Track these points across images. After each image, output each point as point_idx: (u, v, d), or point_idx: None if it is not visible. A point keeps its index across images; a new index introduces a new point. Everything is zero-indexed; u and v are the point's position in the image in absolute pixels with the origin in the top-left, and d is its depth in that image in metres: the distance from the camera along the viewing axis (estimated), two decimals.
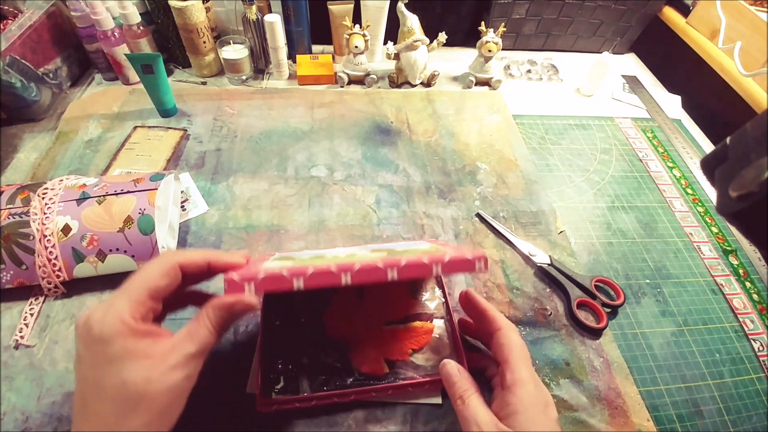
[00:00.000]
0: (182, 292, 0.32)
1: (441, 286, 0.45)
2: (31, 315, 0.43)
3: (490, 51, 0.73)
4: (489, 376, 0.39)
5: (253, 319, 0.44)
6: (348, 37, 0.70)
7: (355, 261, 0.31)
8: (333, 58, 0.79)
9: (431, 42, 0.72)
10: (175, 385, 0.26)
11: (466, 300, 0.40)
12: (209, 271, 0.31)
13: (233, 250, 0.35)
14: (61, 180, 0.47)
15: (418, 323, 0.41)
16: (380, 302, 0.43)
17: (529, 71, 0.83)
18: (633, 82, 0.83)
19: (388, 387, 0.38)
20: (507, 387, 0.32)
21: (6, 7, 0.64)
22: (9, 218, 0.42)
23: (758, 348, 0.47)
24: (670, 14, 0.86)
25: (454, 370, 0.35)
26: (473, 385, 0.34)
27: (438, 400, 0.40)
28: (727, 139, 0.26)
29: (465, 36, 0.85)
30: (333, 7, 0.73)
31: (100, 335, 0.25)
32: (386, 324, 0.41)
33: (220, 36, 0.75)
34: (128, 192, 0.45)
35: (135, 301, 0.27)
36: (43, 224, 0.42)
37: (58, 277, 0.43)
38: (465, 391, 0.33)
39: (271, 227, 0.53)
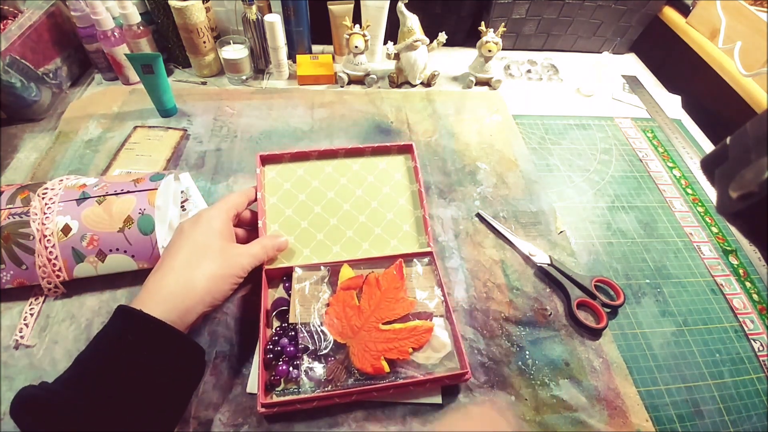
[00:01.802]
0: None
1: (440, 286, 0.45)
2: (31, 315, 0.43)
3: (490, 51, 0.73)
4: None
5: (254, 320, 0.44)
6: (348, 37, 0.70)
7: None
8: (333, 58, 0.79)
9: (431, 42, 0.72)
10: (236, 271, 0.39)
11: None
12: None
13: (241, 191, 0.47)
14: (61, 180, 0.47)
15: (417, 322, 0.41)
16: (379, 302, 0.42)
17: (529, 71, 0.83)
18: (633, 82, 0.83)
19: (389, 386, 0.38)
20: None
21: (6, 7, 0.64)
22: (9, 218, 0.42)
23: (758, 348, 0.47)
24: (670, 14, 0.86)
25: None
26: None
27: (438, 400, 0.40)
28: (727, 139, 0.26)
29: (465, 36, 0.85)
30: (333, 7, 0.73)
31: (208, 221, 0.40)
32: (385, 324, 0.41)
33: (220, 36, 0.75)
34: (128, 192, 0.45)
35: (226, 211, 0.43)
36: (43, 224, 0.42)
37: (58, 277, 0.43)
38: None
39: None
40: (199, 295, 0.36)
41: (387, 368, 0.39)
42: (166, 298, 0.34)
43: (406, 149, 0.54)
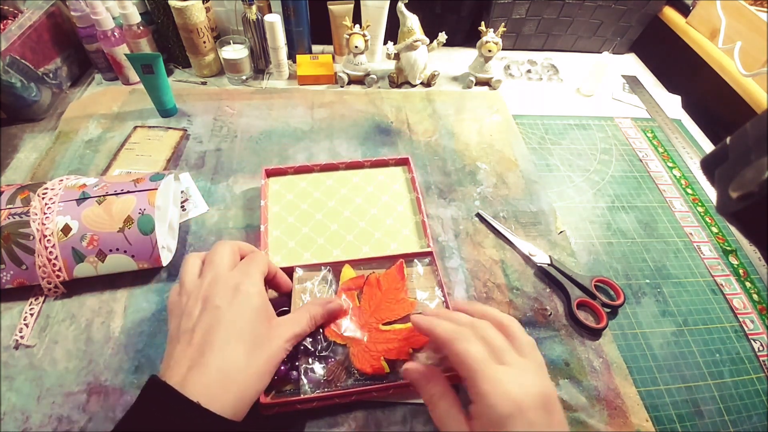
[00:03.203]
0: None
1: (441, 286, 0.45)
2: (31, 315, 0.43)
3: (490, 51, 0.73)
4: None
5: None
6: (348, 37, 0.70)
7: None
8: (333, 58, 0.79)
9: (431, 42, 0.72)
10: (278, 351, 0.34)
11: (414, 325, 0.36)
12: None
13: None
14: (61, 180, 0.47)
15: None
16: (380, 303, 0.43)
17: (529, 71, 0.83)
18: (633, 82, 0.83)
19: (389, 386, 0.38)
20: (473, 399, 0.30)
21: (6, 7, 0.64)
22: (9, 218, 0.42)
23: (758, 348, 0.47)
24: (670, 14, 0.85)
25: (415, 375, 0.34)
26: (442, 384, 0.33)
27: None
28: (727, 139, 0.26)
29: (465, 36, 0.85)
30: (333, 7, 0.73)
31: (247, 298, 0.34)
32: (385, 324, 0.41)
33: (220, 36, 0.75)
34: (128, 192, 0.45)
35: (262, 281, 0.37)
36: (43, 224, 0.42)
37: (58, 277, 0.43)
38: (432, 395, 0.32)
39: None
40: (253, 388, 0.32)
41: (387, 368, 0.39)
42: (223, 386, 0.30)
43: (403, 162, 0.58)
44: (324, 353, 0.39)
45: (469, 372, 0.30)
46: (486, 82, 0.79)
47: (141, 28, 0.65)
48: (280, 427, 0.38)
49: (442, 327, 0.33)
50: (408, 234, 0.51)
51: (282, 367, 0.38)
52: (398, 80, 0.76)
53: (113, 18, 0.64)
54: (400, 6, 0.69)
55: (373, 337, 0.40)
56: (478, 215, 0.56)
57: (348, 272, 0.45)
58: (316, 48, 0.81)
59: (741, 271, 0.54)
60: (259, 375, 0.32)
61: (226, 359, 0.30)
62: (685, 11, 0.84)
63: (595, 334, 0.46)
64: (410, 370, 0.35)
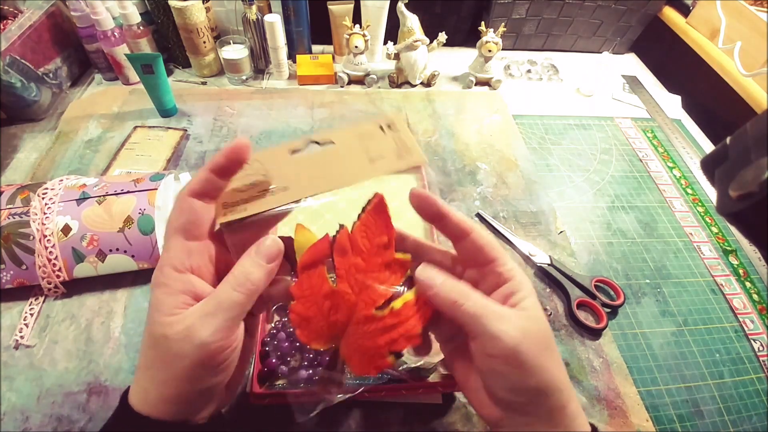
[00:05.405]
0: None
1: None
2: (31, 315, 0.43)
3: (490, 51, 0.73)
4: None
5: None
6: (348, 37, 0.70)
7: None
8: (333, 58, 0.79)
9: (431, 42, 0.72)
10: (198, 342, 0.23)
11: (419, 201, 0.29)
12: (228, 175, 0.25)
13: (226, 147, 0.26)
14: (61, 180, 0.47)
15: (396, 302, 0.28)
16: (365, 276, 0.29)
17: (529, 71, 0.83)
18: (633, 82, 0.83)
19: (381, 388, 0.38)
20: (505, 279, 0.26)
21: (6, 7, 0.64)
22: (9, 218, 0.42)
23: (758, 348, 0.47)
24: (670, 14, 0.85)
25: (432, 272, 0.27)
26: (463, 282, 0.26)
27: (438, 400, 0.40)
28: (727, 139, 0.26)
29: (465, 36, 0.85)
30: (333, 7, 0.73)
31: (151, 285, 0.24)
32: (380, 307, 0.28)
33: (220, 36, 0.75)
34: (128, 192, 0.45)
35: (171, 249, 0.24)
36: (43, 224, 0.42)
37: (58, 277, 0.43)
38: (459, 292, 0.25)
39: None
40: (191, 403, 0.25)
41: (394, 362, 0.28)
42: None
43: (416, 169, 0.56)
44: (311, 355, 0.38)
45: (500, 254, 0.27)
46: (486, 82, 0.78)
47: (141, 28, 0.65)
48: (280, 426, 0.38)
49: (464, 216, 0.28)
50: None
51: (272, 360, 0.38)
52: (398, 80, 0.76)
53: (113, 18, 0.64)
54: (400, 6, 0.69)
55: (369, 330, 0.27)
56: (478, 215, 0.56)
57: (304, 235, 0.28)
58: (316, 48, 0.81)
59: (741, 271, 0.54)
60: (178, 396, 0.24)
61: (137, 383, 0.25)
62: (685, 11, 0.84)
63: (595, 334, 0.46)
64: (426, 271, 0.27)
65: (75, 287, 0.45)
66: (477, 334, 0.25)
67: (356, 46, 0.70)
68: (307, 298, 0.27)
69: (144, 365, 0.24)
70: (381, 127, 0.30)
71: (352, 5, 0.74)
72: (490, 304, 0.25)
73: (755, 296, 0.52)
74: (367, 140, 0.30)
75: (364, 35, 0.70)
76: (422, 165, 0.30)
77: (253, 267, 0.25)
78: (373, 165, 0.29)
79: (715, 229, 0.59)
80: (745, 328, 0.49)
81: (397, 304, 0.27)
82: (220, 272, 0.26)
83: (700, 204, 0.62)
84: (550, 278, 0.50)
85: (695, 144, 0.71)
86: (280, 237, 0.27)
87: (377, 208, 0.29)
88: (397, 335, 0.27)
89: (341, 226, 0.28)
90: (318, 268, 0.28)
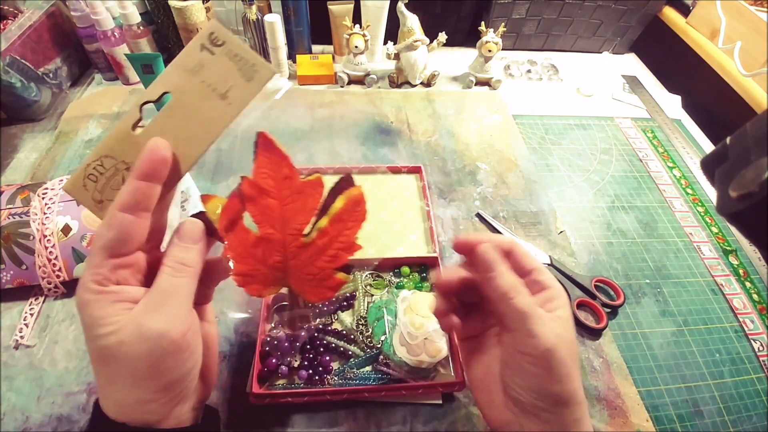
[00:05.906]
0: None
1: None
2: (31, 315, 0.43)
3: (490, 51, 0.73)
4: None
5: (256, 323, 0.44)
6: (348, 37, 0.70)
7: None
8: (333, 58, 0.79)
9: (431, 42, 0.72)
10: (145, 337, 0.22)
11: (462, 247, 0.29)
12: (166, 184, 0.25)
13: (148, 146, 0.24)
14: (61, 180, 0.47)
15: (341, 199, 0.29)
16: (281, 214, 0.29)
17: (529, 71, 0.83)
18: (633, 82, 0.83)
19: (381, 388, 0.38)
20: (545, 287, 0.27)
21: (6, 7, 0.64)
22: (9, 218, 0.42)
23: (758, 348, 0.47)
24: (670, 14, 0.85)
25: (497, 257, 0.27)
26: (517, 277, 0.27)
27: (438, 400, 0.40)
28: (727, 139, 0.26)
29: (465, 36, 0.85)
30: (333, 7, 0.73)
31: (78, 307, 0.24)
32: (304, 237, 0.29)
33: None
34: None
35: (93, 266, 0.24)
36: (43, 224, 0.42)
37: (58, 277, 0.43)
38: (513, 285, 0.26)
39: None
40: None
41: (346, 277, 0.29)
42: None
43: (416, 170, 0.59)
44: (318, 351, 0.39)
45: (539, 266, 0.28)
46: (486, 82, 0.78)
47: (141, 28, 0.65)
48: (280, 426, 0.38)
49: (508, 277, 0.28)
50: (415, 239, 0.52)
51: (272, 360, 0.38)
52: (398, 80, 0.76)
53: (113, 18, 0.64)
54: (400, 6, 0.69)
55: (306, 258, 0.29)
56: (478, 215, 0.56)
57: (212, 204, 0.28)
58: (316, 48, 0.81)
59: (741, 271, 0.54)
60: (155, 394, 0.23)
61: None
62: (685, 11, 0.84)
63: (595, 334, 0.46)
64: (487, 249, 0.28)
65: (75, 287, 0.45)
66: (516, 328, 0.26)
67: (356, 46, 0.70)
68: (240, 255, 0.27)
69: (106, 381, 0.23)
70: (205, 48, 0.25)
71: (352, 5, 0.74)
72: (535, 304, 0.26)
73: (755, 296, 0.52)
74: (202, 72, 0.25)
75: (364, 35, 0.70)
76: (271, 75, 0.26)
77: (182, 252, 0.25)
78: (227, 101, 0.25)
79: (715, 229, 0.59)
80: (745, 328, 0.49)
81: (322, 222, 0.28)
82: (151, 279, 0.25)
83: (700, 204, 0.62)
84: None
85: (695, 144, 0.71)
86: (192, 216, 0.27)
87: (264, 146, 0.28)
88: (334, 251, 0.28)
89: (243, 178, 0.28)
90: (238, 224, 0.28)
